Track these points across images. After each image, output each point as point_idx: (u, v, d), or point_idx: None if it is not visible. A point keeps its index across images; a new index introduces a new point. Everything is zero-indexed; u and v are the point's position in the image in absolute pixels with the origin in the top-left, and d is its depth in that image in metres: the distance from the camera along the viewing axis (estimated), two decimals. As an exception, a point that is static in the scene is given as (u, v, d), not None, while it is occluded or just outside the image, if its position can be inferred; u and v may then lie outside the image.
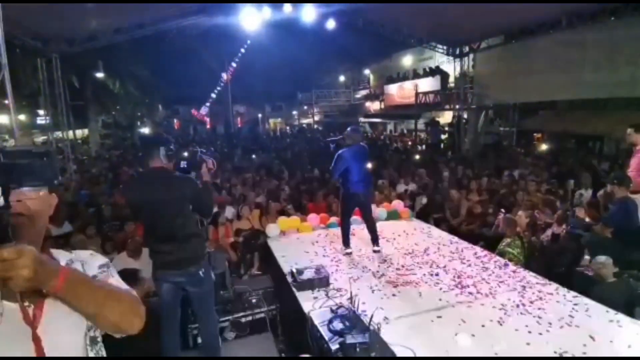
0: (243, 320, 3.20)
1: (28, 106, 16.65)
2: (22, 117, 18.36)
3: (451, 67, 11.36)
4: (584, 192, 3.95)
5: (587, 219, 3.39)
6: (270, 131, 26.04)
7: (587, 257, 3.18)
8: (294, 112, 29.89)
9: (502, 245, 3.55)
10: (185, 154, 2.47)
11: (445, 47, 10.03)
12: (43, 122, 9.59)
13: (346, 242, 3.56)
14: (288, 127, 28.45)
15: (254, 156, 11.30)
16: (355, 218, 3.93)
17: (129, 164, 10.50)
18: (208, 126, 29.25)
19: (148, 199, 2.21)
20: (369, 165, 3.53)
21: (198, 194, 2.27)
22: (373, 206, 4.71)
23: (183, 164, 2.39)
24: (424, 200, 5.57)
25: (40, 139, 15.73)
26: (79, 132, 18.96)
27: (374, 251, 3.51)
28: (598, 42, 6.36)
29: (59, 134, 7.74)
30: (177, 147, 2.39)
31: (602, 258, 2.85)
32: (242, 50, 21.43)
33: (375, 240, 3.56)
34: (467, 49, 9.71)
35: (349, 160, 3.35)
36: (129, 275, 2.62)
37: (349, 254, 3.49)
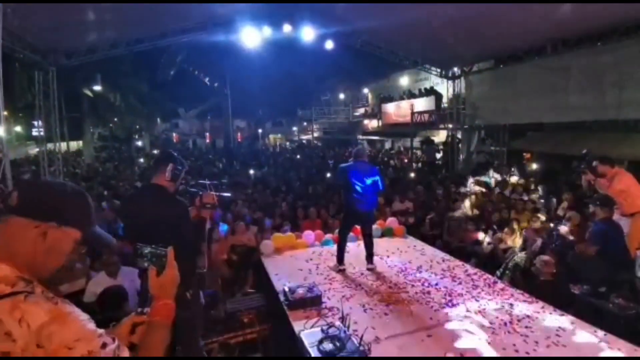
0: (233, 341, 3.14)
1: (24, 117, 16.82)
2: (17, 128, 18.53)
3: (445, 88, 11.72)
4: (572, 214, 4.07)
5: (570, 237, 3.47)
6: (270, 146, 26.29)
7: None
8: (294, 128, 30.31)
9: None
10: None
11: (438, 70, 10.40)
12: (38, 134, 9.63)
13: (340, 259, 3.59)
14: (288, 143, 28.76)
15: (251, 171, 11.38)
16: (350, 235, 3.98)
17: (126, 178, 10.50)
18: (207, 140, 29.46)
19: (141, 215, 2.16)
20: (376, 184, 3.49)
21: (182, 221, 2.12)
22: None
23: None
24: (411, 219, 5.67)
25: (34, 150, 15.78)
26: (74, 144, 19.06)
27: (368, 269, 3.54)
28: (583, 67, 6.64)
29: (51, 145, 7.72)
30: (183, 168, 2.22)
31: (546, 257, 3.02)
32: (243, 66, 22.01)
33: (370, 257, 3.59)
34: (459, 71, 10.08)
35: (347, 175, 3.41)
36: (113, 294, 2.57)
37: (342, 270, 3.52)
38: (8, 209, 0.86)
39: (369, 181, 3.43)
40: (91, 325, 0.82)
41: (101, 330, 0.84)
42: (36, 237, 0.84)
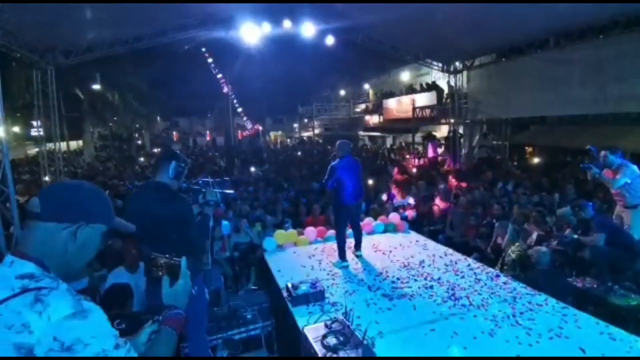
0: (237, 337, 3.16)
1: (22, 117, 16.84)
2: (16, 128, 18.54)
3: (446, 83, 11.67)
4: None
5: (575, 236, 3.48)
6: (271, 144, 26.26)
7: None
8: (295, 125, 30.25)
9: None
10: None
11: (440, 64, 10.33)
12: (36, 133, 9.60)
13: (342, 255, 3.62)
14: (289, 140, 28.72)
15: (253, 169, 11.37)
16: (351, 231, 4.00)
17: (127, 177, 10.50)
18: (208, 138, 29.45)
19: (145, 214, 2.17)
20: (361, 178, 3.70)
21: (186, 219, 2.16)
22: (370, 219, 4.81)
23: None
24: (413, 213, 5.70)
25: (33, 150, 15.82)
26: (74, 144, 19.09)
27: (356, 255, 3.70)
28: (585, 60, 6.62)
29: (51, 145, 7.71)
30: (186, 165, 2.25)
31: (542, 248, 3.19)
32: (243, 63, 21.87)
33: (358, 245, 3.75)
34: (460, 66, 10.02)
35: (340, 171, 3.50)
36: (118, 291, 2.56)
37: (346, 267, 3.54)
38: (32, 215, 0.88)
39: (355, 174, 3.59)
40: (108, 324, 0.85)
41: (116, 332, 0.86)
42: (67, 239, 0.89)
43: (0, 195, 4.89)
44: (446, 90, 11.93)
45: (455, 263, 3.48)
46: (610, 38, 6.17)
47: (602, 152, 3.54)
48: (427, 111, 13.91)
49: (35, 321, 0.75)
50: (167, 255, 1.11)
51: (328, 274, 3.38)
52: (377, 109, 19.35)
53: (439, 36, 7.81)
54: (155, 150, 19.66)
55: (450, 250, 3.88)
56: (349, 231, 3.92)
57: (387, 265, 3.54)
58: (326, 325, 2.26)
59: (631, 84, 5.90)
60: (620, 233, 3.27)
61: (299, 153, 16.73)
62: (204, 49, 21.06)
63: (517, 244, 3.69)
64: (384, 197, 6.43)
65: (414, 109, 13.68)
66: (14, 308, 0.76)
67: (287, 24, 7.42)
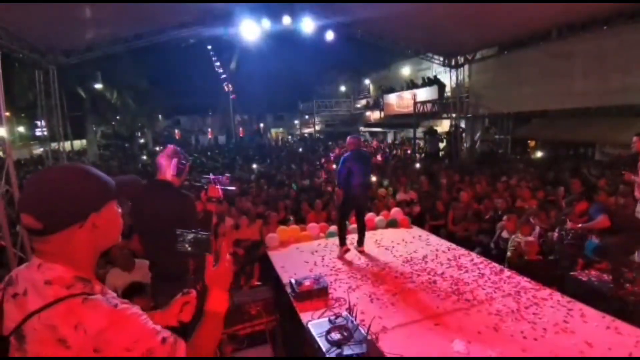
0: (241, 332, 3.19)
1: (27, 118, 16.92)
2: (20, 129, 18.64)
3: (448, 77, 11.58)
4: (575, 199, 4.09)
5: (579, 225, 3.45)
6: (272, 140, 26.26)
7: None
8: (296, 122, 30.21)
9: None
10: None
11: (441, 59, 10.24)
12: (41, 134, 9.65)
13: (342, 242, 3.69)
14: (290, 137, 28.73)
15: (254, 165, 11.38)
16: (353, 227, 4.00)
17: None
18: (209, 136, 29.48)
19: (149, 211, 2.19)
20: (369, 171, 3.82)
21: (189, 215, 2.17)
22: (372, 214, 4.81)
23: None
24: (417, 208, 5.68)
25: (39, 150, 15.92)
26: (78, 143, 19.20)
27: (358, 251, 3.72)
28: (588, 52, 6.55)
29: (55, 145, 7.75)
30: (187, 163, 2.28)
31: (530, 239, 3.29)
32: (243, 61, 21.73)
33: (361, 241, 3.78)
34: (462, 60, 9.92)
35: (350, 163, 3.59)
36: (136, 289, 2.67)
37: (347, 250, 3.61)
38: (35, 232, 0.80)
39: (364, 167, 3.68)
40: (149, 324, 0.81)
41: (159, 327, 0.82)
42: (88, 233, 0.82)
43: (4, 194, 4.91)
44: (449, 84, 11.80)
45: (459, 258, 3.47)
46: (614, 29, 6.09)
47: (634, 139, 3.62)
48: (429, 106, 13.84)
49: (71, 335, 0.71)
50: (193, 230, 1.12)
51: (331, 270, 3.38)
52: (378, 104, 19.27)
53: (440, 30, 7.74)
54: (158, 148, 19.70)
55: (453, 245, 3.87)
56: (353, 226, 3.92)
57: (390, 260, 3.54)
58: (330, 321, 2.26)
59: (635, 75, 5.83)
60: (624, 216, 3.24)
61: (300, 150, 16.74)
62: (209, 47, 21.00)
63: (512, 237, 3.74)
64: (383, 192, 6.42)
65: (415, 103, 13.61)
66: (48, 321, 0.71)
67: (286, 20, 7.38)
